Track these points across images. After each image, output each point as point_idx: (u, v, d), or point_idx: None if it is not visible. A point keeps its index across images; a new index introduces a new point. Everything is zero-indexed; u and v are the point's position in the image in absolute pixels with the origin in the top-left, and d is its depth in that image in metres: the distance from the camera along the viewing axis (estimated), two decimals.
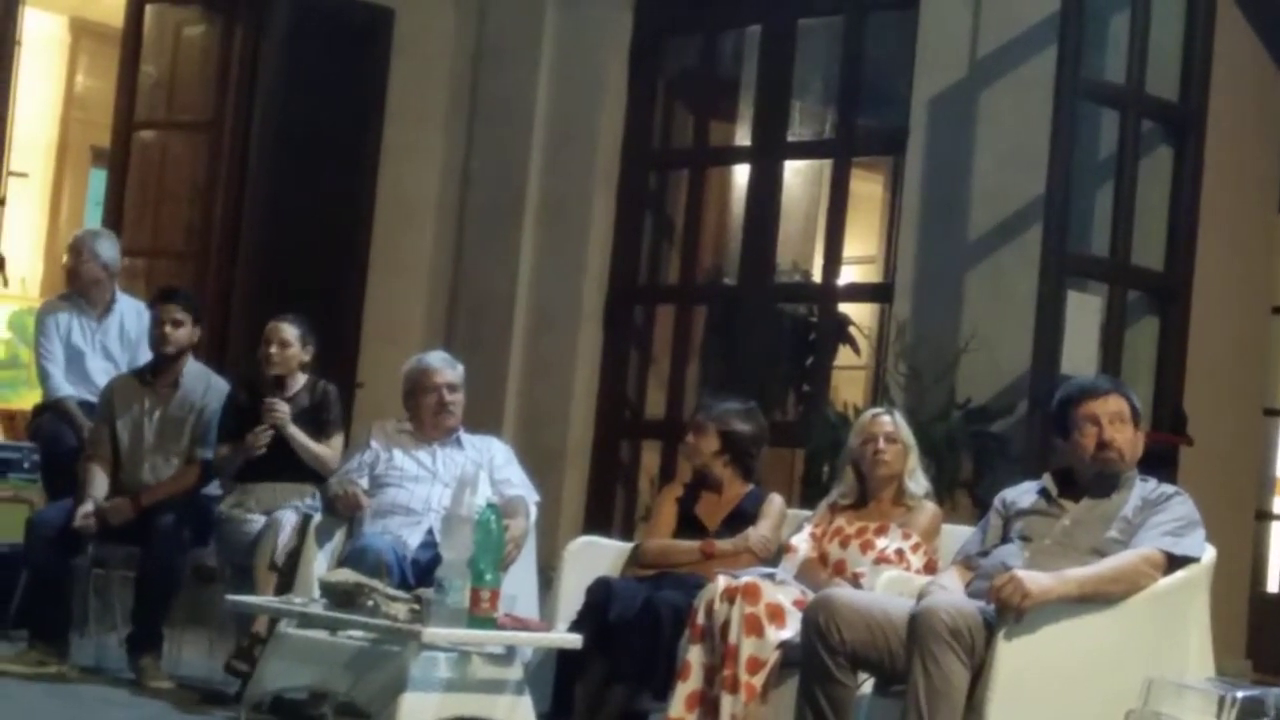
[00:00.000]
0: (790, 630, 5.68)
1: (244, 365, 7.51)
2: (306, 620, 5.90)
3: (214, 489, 7.38)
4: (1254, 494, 9.02)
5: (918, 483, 6.33)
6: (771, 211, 9.23)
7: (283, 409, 7.14)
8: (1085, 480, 5.36)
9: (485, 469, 6.75)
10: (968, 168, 8.09)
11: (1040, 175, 7.38)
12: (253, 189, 9.68)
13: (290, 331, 7.29)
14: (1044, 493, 5.43)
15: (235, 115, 9.73)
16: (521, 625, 5.72)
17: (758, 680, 5.71)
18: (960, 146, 8.13)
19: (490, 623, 5.47)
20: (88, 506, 7.14)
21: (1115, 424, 5.30)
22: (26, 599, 7.23)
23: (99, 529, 7.16)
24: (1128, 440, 5.32)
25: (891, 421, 6.37)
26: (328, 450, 7.21)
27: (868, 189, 10.85)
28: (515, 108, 9.89)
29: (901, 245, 8.40)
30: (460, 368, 7.07)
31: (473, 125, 10.14)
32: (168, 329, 7.39)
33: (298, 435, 7.16)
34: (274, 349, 7.25)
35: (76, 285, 8.11)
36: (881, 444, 6.31)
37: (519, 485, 6.92)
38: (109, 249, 8.10)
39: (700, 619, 5.87)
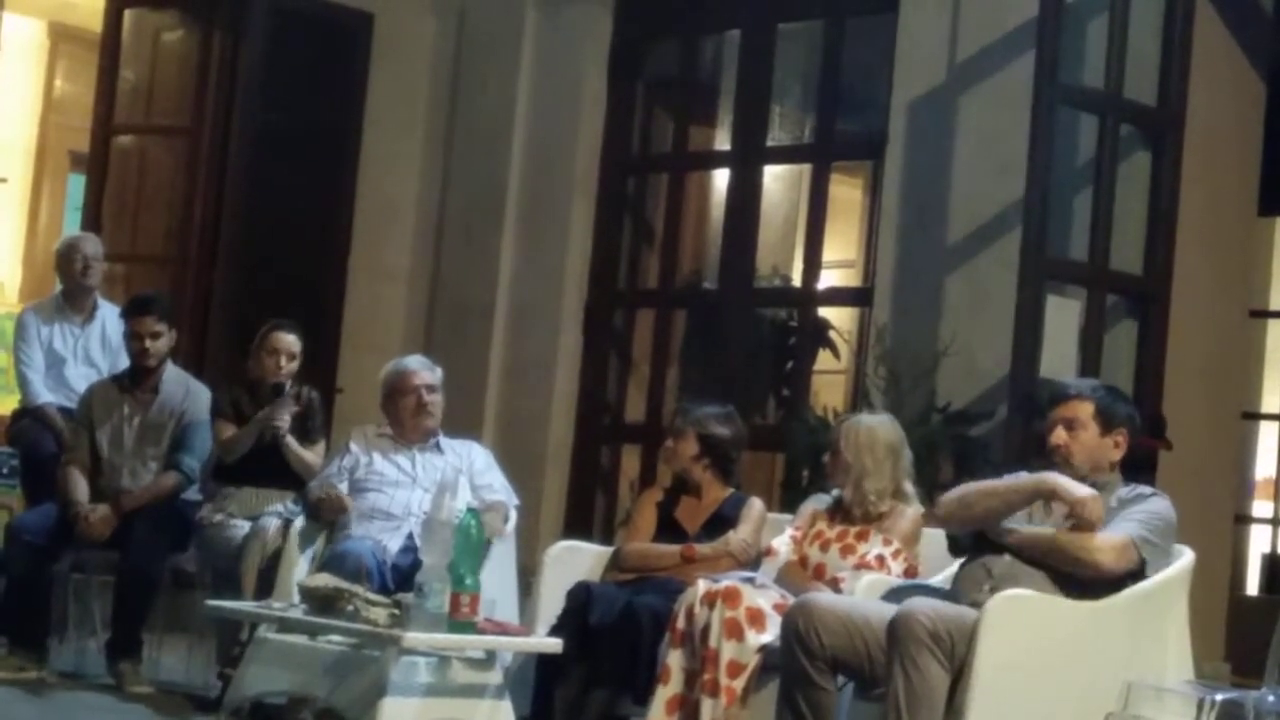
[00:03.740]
0: (770, 634, 5.69)
1: (241, 367, 7.50)
2: (286, 625, 5.90)
3: (193, 494, 7.36)
4: (1233, 497, 9.05)
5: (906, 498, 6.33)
6: (751, 216, 9.22)
7: (285, 420, 7.13)
8: None
9: (465, 473, 6.76)
10: (947, 172, 8.10)
11: (1019, 179, 7.38)
12: (232, 194, 9.63)
13: (296, 345, 7.29)
14: None
15: (214, 120, 9.68)
16: (501, 630, 5.73)
17: (738, 684, 5.71)
18: (939, 151, 8.14)
19: (470, 627, 5.48)
20: (87, 508, 7.16)
21: (1066, 429, 5.33)
22: (5, 604, 7.20)
23: (82, 538, 7.16)
24: (1081, 445, 5.33)
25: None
26: (314, 457, 7.21)
27: (847, 193, 10.86)
28: (495, 112, 9.87)
29: (881, 250, 8.40)
30: (439, 370, 7.06)
31: (452, 129, 10.12)
32: (148, 343, 7.38)
33: (293, 444, 7.16)
34: (282, 360, 7.25)
35: (76, 289, 8.09)
36: None
37: (499, 490, 6.91)
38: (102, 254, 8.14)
39: (680, 623, 5.87)
